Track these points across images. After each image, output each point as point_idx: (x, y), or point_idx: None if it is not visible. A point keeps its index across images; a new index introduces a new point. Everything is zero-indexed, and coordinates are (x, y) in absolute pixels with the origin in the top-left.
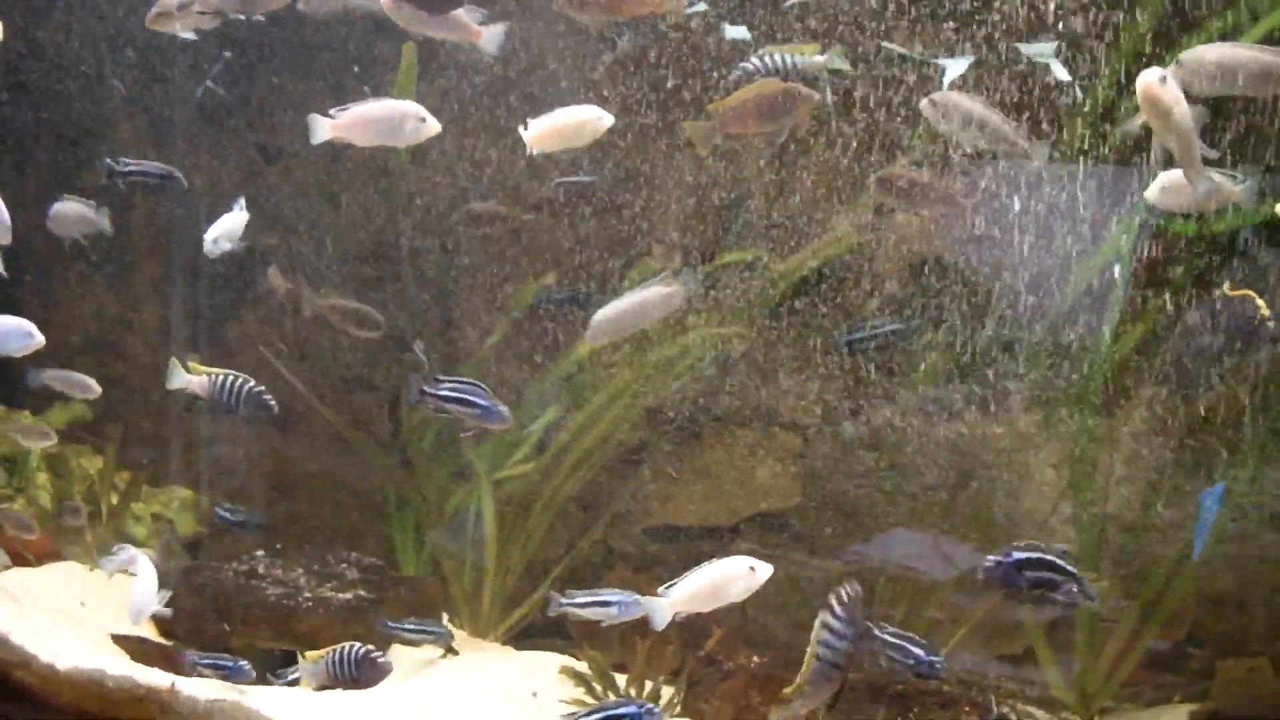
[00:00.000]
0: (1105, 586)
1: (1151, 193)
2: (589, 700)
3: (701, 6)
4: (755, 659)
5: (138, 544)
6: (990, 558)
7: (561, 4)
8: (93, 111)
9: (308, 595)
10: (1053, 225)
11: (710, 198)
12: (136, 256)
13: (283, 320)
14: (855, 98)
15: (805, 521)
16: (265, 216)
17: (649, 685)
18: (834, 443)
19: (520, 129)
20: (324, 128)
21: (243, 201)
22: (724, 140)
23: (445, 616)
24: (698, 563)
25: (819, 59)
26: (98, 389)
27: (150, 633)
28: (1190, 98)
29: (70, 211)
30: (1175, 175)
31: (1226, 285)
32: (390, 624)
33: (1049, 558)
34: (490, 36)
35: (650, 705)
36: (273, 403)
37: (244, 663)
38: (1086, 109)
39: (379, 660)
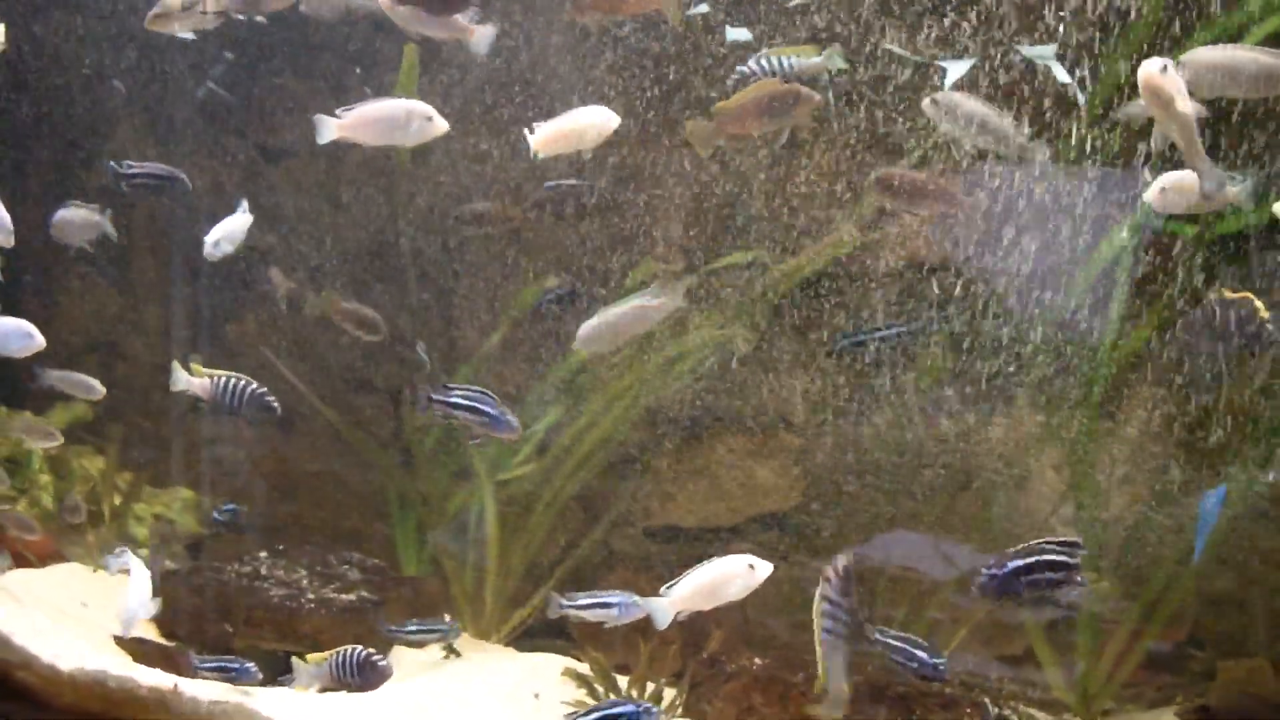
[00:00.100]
0: (1105, 587)
1: (1150, 194)
2: (591, 702)
3: (704, 7)
4: (757, 660)
5: (140, 545)
6: (984, 571)
7: (571, 11)
8: (94, 111)
9: (310, 596)
10: (1054, 226)
11: (711, 198)
12: (138, 257)
13: (285, 320)
14: (857, 98)
15: (806, 522)
16: (267, 216)
17: (651, 687)
18: (835, 443)
19: (527, 133)
20: (330, 127)
21: (246, 203)
22: (725, 141)
23: (447, 617)
24: (698, 563)
25: (816, 60)
26: (102, 389)
27: (152, 634)
28: (1191, 100)
29: (74, 218)
30: (1174, 177)
31: (1226, 290)
32: (394, 628)
33: (1045, 558)
34: (481, 36)
35: (648, 705)
36: (275, 404)
37: (250, 664)
38: (1087, 111)
39: (380, 663)
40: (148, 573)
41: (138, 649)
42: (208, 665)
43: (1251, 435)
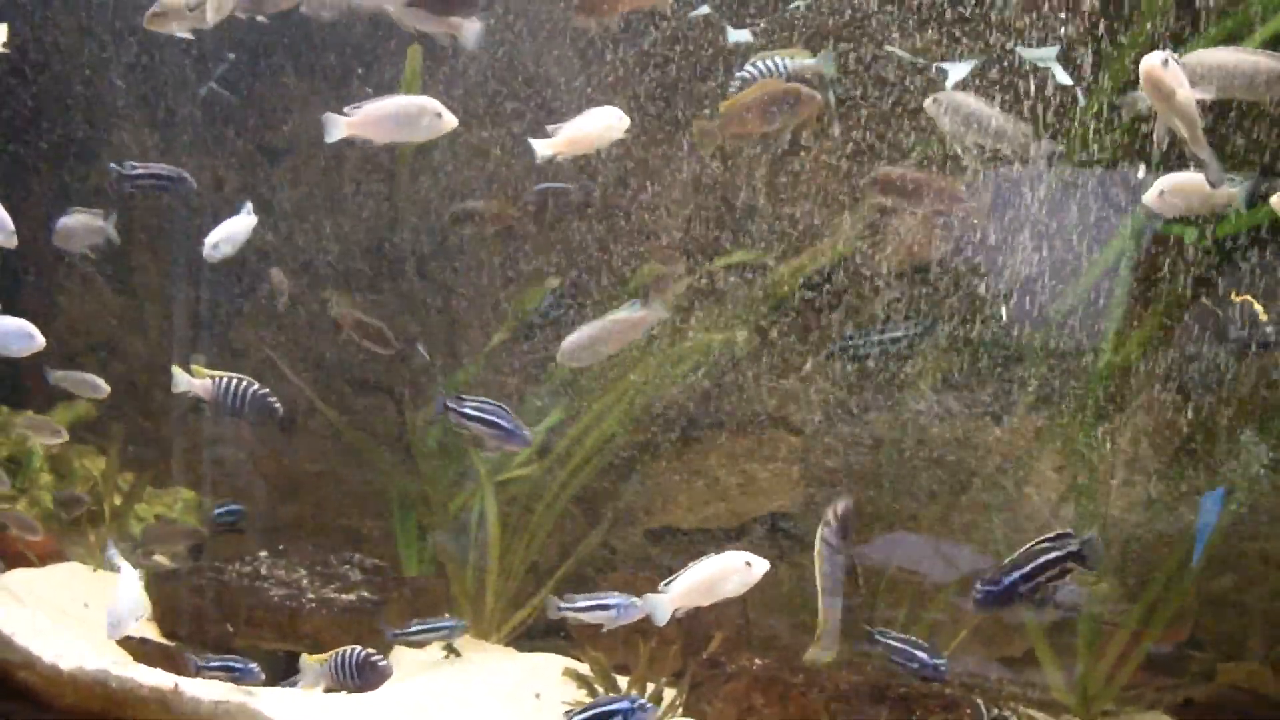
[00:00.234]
0: (1105, 588)
1: (1150, 197)
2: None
3: (705, 9)
4: (758, 661)
5: (138, 544)
6: (979, 586)
7: (575, 17)
8: (95, 110)
9: (311, 596)
10: (1055, 228)
11: (712, 198)
12: (139, 256)
13: (285, 320)
14: (859, 99)
15: (807, 523)
16: (267, 215)
17: (651, 687)
18: (835, 444)
19: (538, 142)
20: (339, 126)
21: (250, 205)
22: (728, 140)
23: (447, 616)
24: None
25: (810, 61)
26: (106, 388)
27: (153, 633)
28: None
29: (76, 225)
30: (1173, 180)
31: (1234, 292)
32: (399, 630)
33: (1039, 562)
34: (470, 30)
35: (643, 700)
36: (278, 405)
37: (253, 665)
38: (1089, 113)
39: (380, 664)
40: (136, 575)
41: (139, 649)
42: (212, 665)
43: (1252, 436)
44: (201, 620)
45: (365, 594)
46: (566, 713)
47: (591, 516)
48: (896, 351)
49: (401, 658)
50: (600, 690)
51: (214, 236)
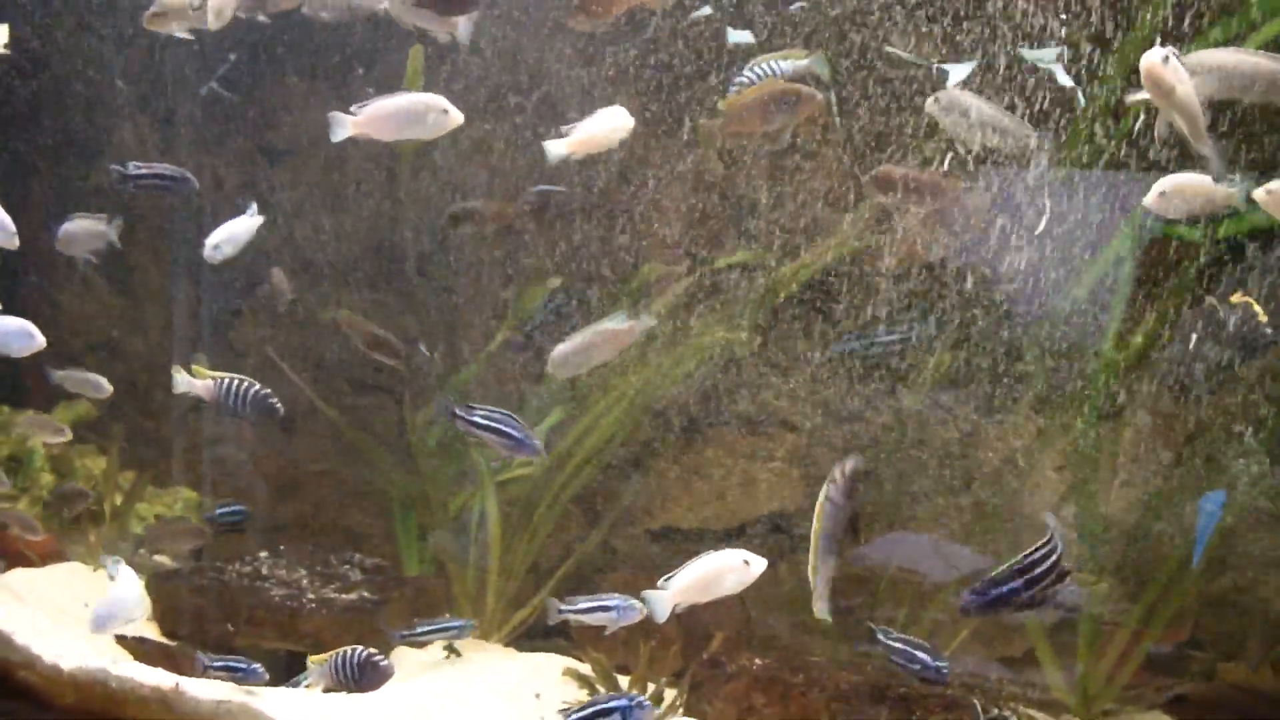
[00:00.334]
0: (1105, 588)
1: (1150, 198)
2: None
3: (706, 10)
4: (758, 661)
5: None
6: (966, 594)
7: (570, 20)
8: (96, 110)
9: (311, 596)
10: (1055, 228)
11: (713, 198)
12: (140, 256)
13: (286, 320)
14: (862, 98)
15: (807, 524)
16: (268, 216)
17: (652, 687)
18: (837, 444)
19: (551, 143)
20: (345, 125)
21: (255, 206)
22: (730, 140)
23: (447, 615)
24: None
25: (803, 63)
26: (109, 388)
27: (153, 633)
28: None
29: (79, 230)
30: (1173, 181)
31: (1236, 293)
32: (405, 631)
33: (1027, 577)
34: (462, 27)
35: (640, 698)
36: (279, 405)
37: (257, 665)
38: (1091, 113)
39: (381, 663)
40: (135, 577)
41: (139, 648)
42: (216, 665)
43: (1252, 436)
44: (202, 620)
45: (366, 594)
46: (563, 710)
47: (592, 516)
48: (897, 351)
49: (402, 658)
50: (601, 690)
51: (215, 237)
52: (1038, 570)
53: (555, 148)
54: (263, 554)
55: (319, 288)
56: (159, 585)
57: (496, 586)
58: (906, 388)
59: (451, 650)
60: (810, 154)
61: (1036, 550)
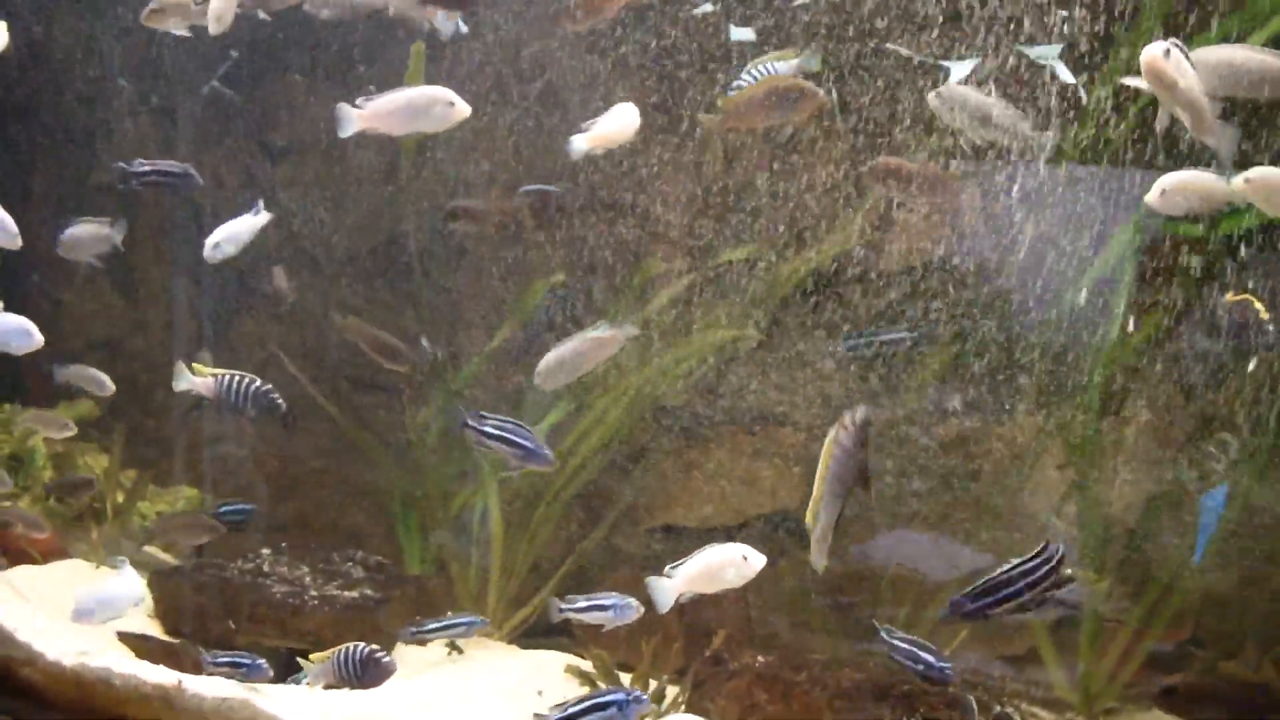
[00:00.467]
0: (1105, 587)
1: (1152, 196)
2: None
3: (708, 7)
4: (760, 658)
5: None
6: (953, 600)
7: (561, 22)
8: (99, 109)
9: (313, 593)
10: (1057, 226)
11: (713, 195)
12: (141, 254)
13: (288, 317)
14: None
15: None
16: (269, 213)
17: (654, 684)
18: None
19: (576, 138)
20: (352, 118)
21: (261, 204)
22: (731, 135)
23: (449, 614)
24: None
25: (796, 61)
26: (112, 386)
27: (155, 630)
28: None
29: (82, 235)
30: (1175, 178)
31: (1230, 293)
32: (415, 629)
33: (1017, 586)
34: (443, 20)
35: (638, 692)
36: (281, 402)
37: (261, 661)
38: (1092, 110)
39: (383, 660)
40: (136, 576)
41: (141, 645)
42: (220, 662)
43: (1255, 436)
44: (204, 617)
45: (367, 591)
46: (559, 704)
47: (594, 515)
48: (900, 350)
49: (405, 655)
50: (603, 688)
51: (216, 236)
52: (1022, 583)
53: (579, 143)
54: (264, 551)
55: (320, 285)
56: (161, 582)
57: (498, 585)
58: (908, 384)
59: (454, 647)
60: (811, 148)
61: (1025, 562)
